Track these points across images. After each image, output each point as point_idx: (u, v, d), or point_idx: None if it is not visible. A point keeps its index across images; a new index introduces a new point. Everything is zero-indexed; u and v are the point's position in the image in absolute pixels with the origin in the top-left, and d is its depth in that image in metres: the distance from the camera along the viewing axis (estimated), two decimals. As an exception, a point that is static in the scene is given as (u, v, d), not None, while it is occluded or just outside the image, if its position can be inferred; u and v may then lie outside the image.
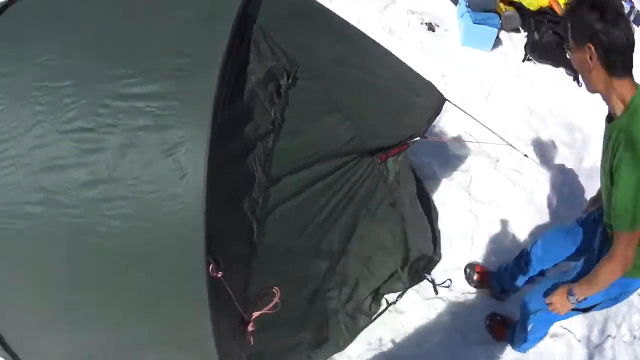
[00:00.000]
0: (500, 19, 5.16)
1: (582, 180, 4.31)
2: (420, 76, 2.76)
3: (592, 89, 2.02)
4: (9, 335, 2.41)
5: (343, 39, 2.45)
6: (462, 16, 5.12)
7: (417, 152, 3.89)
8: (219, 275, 1.73)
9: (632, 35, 1.85)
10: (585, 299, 2.21)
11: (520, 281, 3.07)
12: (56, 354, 2.43)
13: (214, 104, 1.71)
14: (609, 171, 1.95)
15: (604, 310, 3.24)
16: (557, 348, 3.18)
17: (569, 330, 3.27)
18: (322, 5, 2.54)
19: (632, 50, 1.89)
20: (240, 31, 1.92)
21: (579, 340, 3.26)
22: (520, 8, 5.40)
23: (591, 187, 4.23)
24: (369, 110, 2.39)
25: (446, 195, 3.82)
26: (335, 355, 2.94)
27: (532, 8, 5.35)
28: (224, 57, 1.79)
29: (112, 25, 2.05)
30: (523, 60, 5.25)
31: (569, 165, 4.39)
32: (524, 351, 3.09)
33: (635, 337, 3.49)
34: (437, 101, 2.78)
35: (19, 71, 2.02)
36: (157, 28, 1.99)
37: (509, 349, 3.10)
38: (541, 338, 2.95)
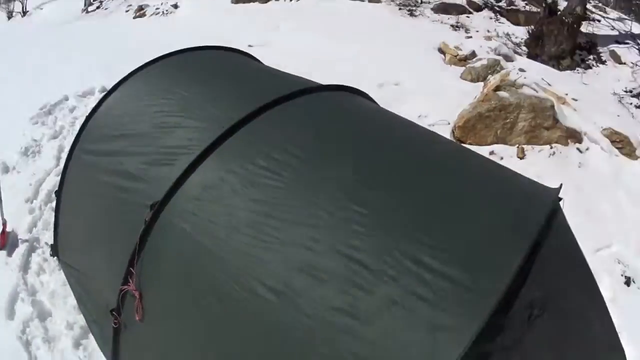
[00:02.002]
0: None
1: None
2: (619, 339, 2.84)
3: None
4: None
5: (583, 285, 2.51)
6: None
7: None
8: None
9: None
10: None
11: None
12: None
13: (489, 315, 1.75)
14: None
15: None
16: None
17: None
18: (577, 243, 2.58)
19: None
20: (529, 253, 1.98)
21: None
22: None
23: None
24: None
25: None
26: None
27: None
28: (512, 276, 1.85)
29: (420, 185, 2.18)
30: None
31: None
32: None
33: None
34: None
35: (322, 167, 2.17)
36: (461, 213, 2.08)
37: None
38: None
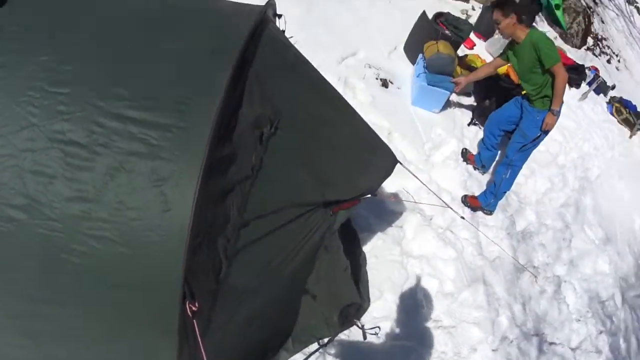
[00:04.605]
0: (455, 82, 5.32)
1: (513, 242, 4.67)
2: (378, 136, 2.95)
3: (508, 36, 4.31)
4: None
5: (320, 95, 2.61)
6: (417, 76, 5.30)
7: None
8: (194, 308, 1.78)
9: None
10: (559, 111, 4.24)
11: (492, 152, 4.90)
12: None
13: (209, 144, 1.76)
14: (533, 59, 4.12)
15: None
16: None
17: None
18: (305, 57, 2.67)
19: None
20: (238, 73, 1.99)
21: None
22: (475, 73, 5.66)
23: (521, 248, 4.65)
24: (334, 167, 2.57)
25: (379, 248, 3.96)
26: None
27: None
28: (222, 98, 1.83)
29: (117, 40, 2.05)
30: (469, 124, 5.55)
31: (501, 229, 4.74)
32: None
33: None
34: (390, 162, 3.00)
35: (18, 65, 1.96)
36: (159, 53, 2.01)
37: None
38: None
